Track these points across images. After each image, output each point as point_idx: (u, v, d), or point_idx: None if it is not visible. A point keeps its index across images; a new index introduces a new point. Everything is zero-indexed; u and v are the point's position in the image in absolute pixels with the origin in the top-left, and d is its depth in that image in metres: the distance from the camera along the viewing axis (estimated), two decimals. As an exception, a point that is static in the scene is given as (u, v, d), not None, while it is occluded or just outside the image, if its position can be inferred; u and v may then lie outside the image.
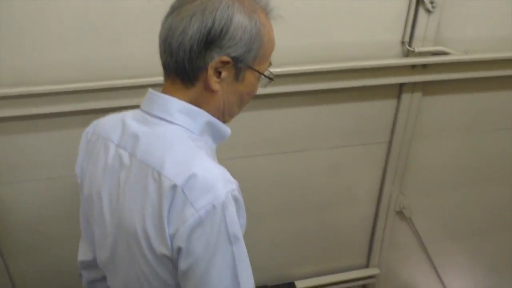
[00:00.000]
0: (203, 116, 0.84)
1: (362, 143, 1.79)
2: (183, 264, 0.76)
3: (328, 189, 1.86)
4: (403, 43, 1.62)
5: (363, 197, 1.93)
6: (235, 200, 0.78)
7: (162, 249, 0.77)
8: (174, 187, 0.75)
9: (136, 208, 0.80)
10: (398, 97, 1.72)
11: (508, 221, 2.22)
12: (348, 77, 1.59)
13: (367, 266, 2.11)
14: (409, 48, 1.61)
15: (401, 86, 1.70)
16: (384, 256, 2.09)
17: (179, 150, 0.79)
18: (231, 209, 0.76)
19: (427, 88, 1.73)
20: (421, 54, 1.63)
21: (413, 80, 1.65)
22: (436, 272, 2.27)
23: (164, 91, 0.84)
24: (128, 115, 0.89)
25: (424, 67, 1.65)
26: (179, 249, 0.75)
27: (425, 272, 2.27)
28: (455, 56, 1.64)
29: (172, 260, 0.79)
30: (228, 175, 0.80)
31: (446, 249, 2.22)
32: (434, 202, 2.04)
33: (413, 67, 1.64)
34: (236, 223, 0.76)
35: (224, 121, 0.89)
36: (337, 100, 1.67)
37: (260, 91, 1.49)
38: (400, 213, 2.01)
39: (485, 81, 1.75)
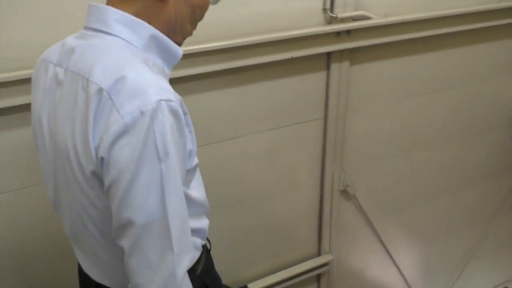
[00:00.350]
0: (147, 28, 0.77)
1: (297, 122, 1.67)
2: (106, 180, 0.70)
3: (267, 177, 1.71)
4: (325, 10, 1.53)
5: (305, 181, 1.82)
6: (173, 113, 0.70)
7: (89, 166, 0.72)
8: (99, 90, 0.69)
9: (67, 125, 0.75)
10: (327, 68, 1.63)
11: (440, 185, 2.25)
12: (272, 50, 1.45)
13: (319, 254, 2.00)
14: (331, 14, 1.53)
15: (328, 56, 1.61)
16: (335, 240, 2.00)
17: (112, 55, 0.73)
18: (163, 119, 0.68)
19: (354, 56, 1.66)
20: (344, 20, 1.55)
21: (339, 48, 1.57)
22: (385, 247, 2.24)
23: (107, 3, 0.78)
24: (71, 35, 0.84)
25: (349, 34, 1.57)
26: (102, 161, 0.69)
27: (374, 249, 2.22)
28: (377, 20, 1.59)
29: (100, 178, 0.73)
30: (167, 85, 0.72)
31: (390, 222, 2.19)
32: (373, 175, 1.99)
33: (338, 35, 1.56)
34: (168, 137, 0.68)
35: (176, 42, 0.82)
36: (265, 77, 1.53)
37: (175, 74, 1.32)
38: (345, 192, 1.92)
39: (408, 44, 1.73)
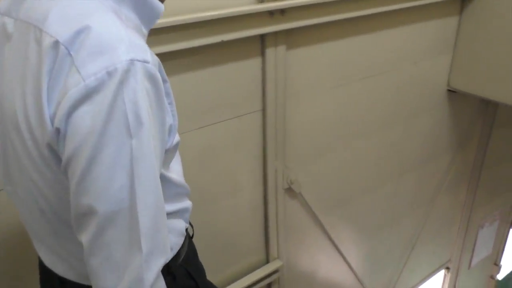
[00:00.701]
0: None
1: (232, 117, 1.47)
2: (63, 157, 0.59)
3: (202, 181, 1.50)
4: (254, -14, 1.35)
5: (246, 181, 1.62)
6: (150, 78, 0.59)
7: (45, 139, 0.60)
8: (55, 44, 0.57)
9: (16, 88, 0.63)
10: (262, 53, 1.45)
11: (383, 173, 2.19)
12: (198, 33, 1.24)
13: (267, 261, 1.82)
14: (262, -9, 1.35)
15: (262, 39, 1.44)
16: (283, 244, 1.83)
17: (72, 1, 0.60)
18: (135, 85, 0.56)
19: (290, 39, 1.50)
20: (276, -2, 1.38)
21: (273, 29, 1.40)
22: (334, 244, 2.12)
23: None
24: None
25: (283, 14, 1.41)
26: (58, 132, 0.57)
27: (324, 247, 2.09)
28: (311, -2, 1.44)
29: (57, 155, 0.61)
30: (143, 43, 0.60)
31: (337, 217, 2.08)
32: (316, 168, 1.85)
33: (271, 14, 1.38)
34: (141, 107, 0.57)
35: None
36: (192, 66, 1.31)
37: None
38: (289, 190, 1.76)
39: (344, 25, 1.61)
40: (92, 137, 0.55)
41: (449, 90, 2.16)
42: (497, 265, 3.74)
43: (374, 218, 2.32)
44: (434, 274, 3.04)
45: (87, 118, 0.55)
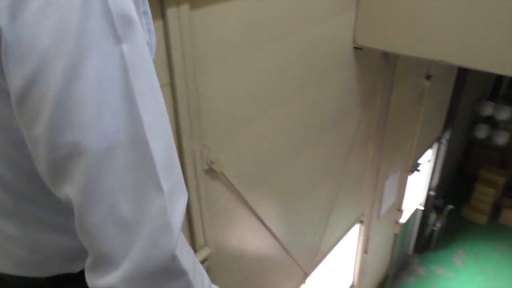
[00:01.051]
0: None
1: (136, 95, 1.23)
2: (14, 79, 0.41)
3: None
4: None
5: (162, 169, 1.40)
6: None
7: None
8: None
9: None
10: (163, 16, 1.22)
11: (301, 139, 2.13)
12: None
13: (195, 251, 1.64)
14: None
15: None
16: (209, 230, 1.67)
17: None
18: None
19: (192, -3, 1.28)
20: None
21: (172, -15, 1.17)
22: (260, 220, 2.03)
23: None
24: None
25: (181, -34, 1.19)
26: None
27: (251, 224, 1.98)
28: None
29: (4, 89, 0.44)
30: None
31: (261, 192, 1.98)
32: (236, 143, 1.71)
33: (168, -33, 1.15)
34: (125, 3, 0.43)
35: None
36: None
37: None
38: (210, 171, 1.59)
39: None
40: (66, 41, 0.39)
41: (355, 48, 2.14)
42: (399, 211, 4.07)
43: (295, 186, 2.27)
44: (350, 229, 3.17)
45: (50, 14, 0.39)
